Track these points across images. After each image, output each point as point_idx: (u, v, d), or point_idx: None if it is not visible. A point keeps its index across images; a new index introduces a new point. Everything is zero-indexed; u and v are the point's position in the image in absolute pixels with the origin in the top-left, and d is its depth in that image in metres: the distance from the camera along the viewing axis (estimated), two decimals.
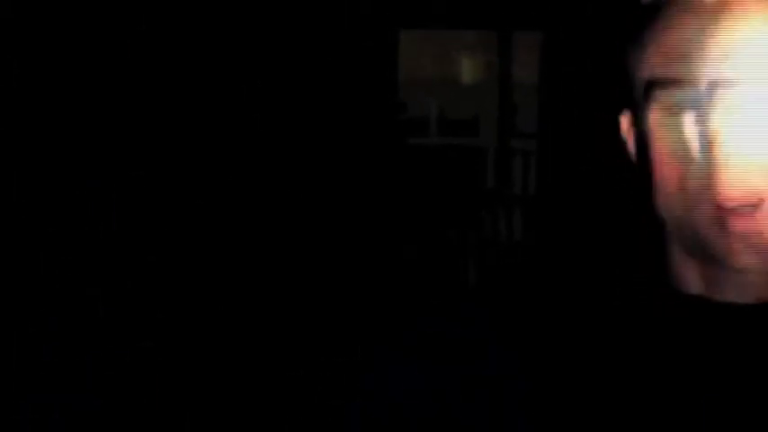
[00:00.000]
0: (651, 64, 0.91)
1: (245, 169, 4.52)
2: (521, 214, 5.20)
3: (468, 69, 5.46)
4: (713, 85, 0.87)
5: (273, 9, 4.50)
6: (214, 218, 4.48)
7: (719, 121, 0.86)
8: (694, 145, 0.87)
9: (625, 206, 4.40)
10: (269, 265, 4.52)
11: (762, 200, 0.87)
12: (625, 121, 0.97)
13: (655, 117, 0.90)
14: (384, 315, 4.50)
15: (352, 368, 4.09)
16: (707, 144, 0.86)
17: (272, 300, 4.49)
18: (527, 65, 5.05)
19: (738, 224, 0.88)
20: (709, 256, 0.90)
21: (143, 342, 4.28)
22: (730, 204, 0.87)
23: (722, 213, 0.87)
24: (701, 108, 0.87)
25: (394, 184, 4.71)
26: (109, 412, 4.03)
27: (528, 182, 5.20)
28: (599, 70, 4.50)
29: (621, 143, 0.99)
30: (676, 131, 0.89)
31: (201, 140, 4.49)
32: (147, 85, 4.43)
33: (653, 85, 0.90)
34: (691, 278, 0.95)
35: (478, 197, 5.31)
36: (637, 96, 0.92)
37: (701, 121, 0.87)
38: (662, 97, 0.89)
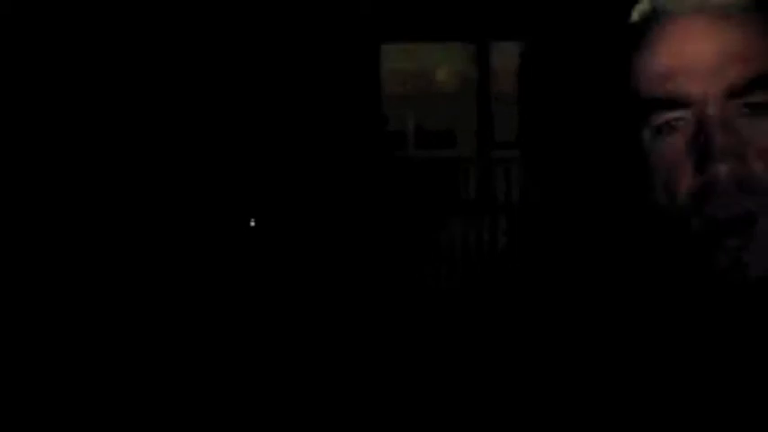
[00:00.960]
0: (642, 83, 0.90)
1: (244, 173, 4.52)
2: (505, 222, 5.19)
3: (444, 81, 5.44)
4: (702, 102, 0.86)
5: (256, 26, 4.51)
6: (214, 219, 4.48)
7: (708, 137, 0.85)
8: (684, 163, 0.87)
9: (609, 209, 4.41)
10: (268, 267, 4.52)
11: (752, 215, 0.87)
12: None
13: (647, 136, 0.90)
14: (375, 317, 4.50)
15: (352, 368, 4.09)
16: (696, 161, 0.86)
17: (271, 300, 4.49)
18: (503, 75, 5.05)
19: (731, 240, 0.87)
20: (708, 268, 0.89)
21: (143, 342, 4.28)
22: (722, 220, 0.86)
23: (715, 229, 0.87)
24: (690, 126, 0.87)
25: (382, 193, 4.72)
26: (109, 412, 4.03)
27: (510, 190, 5.20)
28: (578, 80, 4.51)
29: (602, 150, 0.99)
30: (666, 150, 0.88)
31: (200, 142, 4.49)
32: (146, 85, 4.43)
33: (644, 103, 0.89)
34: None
35: (461, 207, 5.30)
36: (633, 112, 0.92)
37: (690, 138, 0.86)
38: (652, 117, 0.89)
